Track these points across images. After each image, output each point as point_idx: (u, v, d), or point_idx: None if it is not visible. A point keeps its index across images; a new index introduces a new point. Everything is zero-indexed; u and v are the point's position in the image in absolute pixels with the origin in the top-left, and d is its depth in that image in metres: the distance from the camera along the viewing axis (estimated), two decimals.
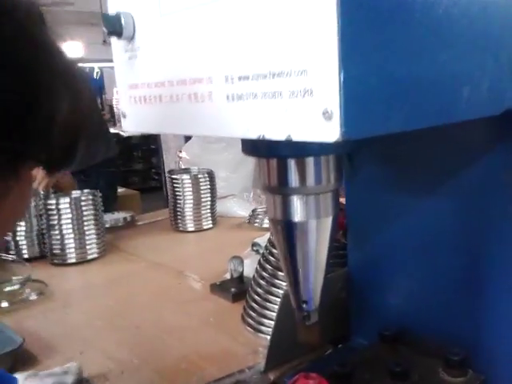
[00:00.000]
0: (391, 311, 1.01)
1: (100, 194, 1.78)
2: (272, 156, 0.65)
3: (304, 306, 0.73)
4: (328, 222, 0.68)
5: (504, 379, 0.85)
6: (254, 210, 2.10)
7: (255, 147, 0.67)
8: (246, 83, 0.55)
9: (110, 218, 2.12)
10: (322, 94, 0.48)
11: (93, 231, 1.74)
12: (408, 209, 0.95)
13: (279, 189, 0.66)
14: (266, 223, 1.99)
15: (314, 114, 0.48)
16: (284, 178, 0.65)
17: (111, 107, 8.65)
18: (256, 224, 2.02)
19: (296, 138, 0.51)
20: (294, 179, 0.64)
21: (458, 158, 0.87)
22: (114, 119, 8.24)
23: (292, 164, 0.63)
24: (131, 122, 0.75)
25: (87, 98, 0.56)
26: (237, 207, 2.26)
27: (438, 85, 0.57)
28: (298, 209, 0.66)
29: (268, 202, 0.70)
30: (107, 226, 2.06)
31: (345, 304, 1.09)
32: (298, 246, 0.69)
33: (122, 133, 6.54)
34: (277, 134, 0.53)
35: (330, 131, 0.48)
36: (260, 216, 2.06)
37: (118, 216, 2.14)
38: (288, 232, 0.69)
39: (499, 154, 0.81)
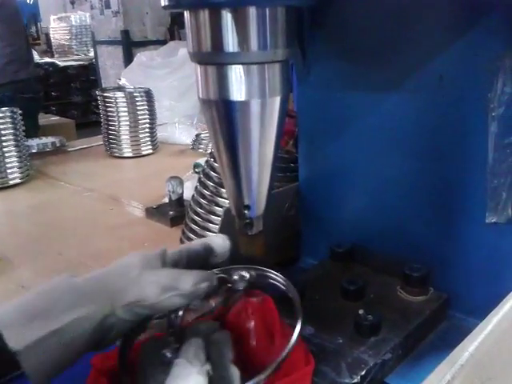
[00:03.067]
0: (345, 227, 0.91)
1: (20, 112, 1.56)
2: (202, 5, 0.49)
3: (246, 212, 0.60)
4: (275, 104, 0.54)
5: (468, 298, 0.77)
6: (198, 135, 1.94)
7: None
8: None
9: (37, 143, 1.90)
10: None
11: (13, 153, 1.54)
12: (366, 111, 0.82)
13: (212, 56, 0.51)
14: (211, 148, 1.84)
15: None
16: (218, 40, 0.50)
17: (47, 36, 8.01)
18: (200, 150, 1.87)
19: None
20: (231, 41, 0.49)
21: (420, 51, 0.74)
22: (50, 49, 7.66)
23: (229, 18, 0.48)
24: None
25: None
26: (180, 133, 2.09)
27: None
28: (238, 84, 0.52)
29: (199, 77, 0.55)
30: (34, 150, 1.85)
31: (294, 223, 0.97)
32: (237, 134, 0.55)
33: (58, 62, 6.09)
34: None
35: None
36: (205, 141, 1.90)
37: (46, 141, 1.93)
38: (225, 116, 0.54)
39: (462, 46, 0.69)
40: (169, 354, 0.51)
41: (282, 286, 0.62)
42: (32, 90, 2.82)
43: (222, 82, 0.52)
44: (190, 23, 0.51)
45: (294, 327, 0.56)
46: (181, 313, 0.58)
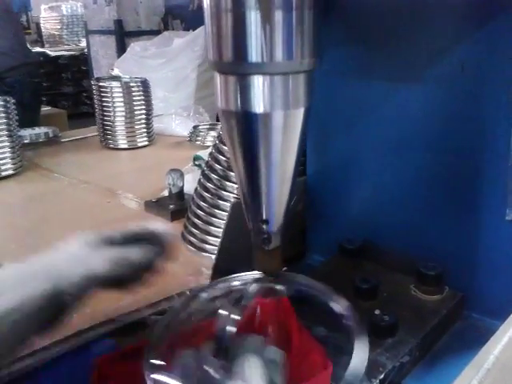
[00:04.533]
0: (354, 223, 0.88)
1: (13, 100, 1.51)
2: (225, 11, 0.45)
3: (264, 226, 0.56)
4: (299, 116, 0.51)
5: (484, 297, 0.75)
6: (195, 127, 1.90)
7: None
8: None
9: (30, 133, 1.85)
10: None
11: (6, 143, 1.48)
12: (381, 101, 0.79)
13: (234, 65, 0.48)
14: (209, 141, 1.80)
15: None
16: (241, 49, 0.46)
17: (38, 25, 7.88)
18: (198, 142, 1.83)
19: None
20: (255, 50, 0.46)
21: (441, 38, 0.71)
22: (41, 39, 7.54)
23: (252, 25, 0.45)
24: None
25: None
26: (176, 125, 2.04)
27: None
28: (260, 95, 0.48)
29: (218, 87, 0.51)
30: (26, 141, 1.80)
31: (301, 218, 0.94)
32: (258, 147, 0.51)
33: (48, 52, 5.98)
34: None
35: None
36: (202, 133, 1.86)
37: (39, 131, 1.87)
38: (246, 128, 0.51)
39: (485, 35, 0.66)
40: (216, 374, 0.48)
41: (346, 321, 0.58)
42: (38, 74, 2.78)
43: (244, 92, 0.49)
44: (211, 28, 0.48)
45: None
46: (229, 329, 0.54)
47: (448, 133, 0.73)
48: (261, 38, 0.46)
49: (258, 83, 0.48)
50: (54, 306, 0.52)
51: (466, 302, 0.76)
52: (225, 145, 0.96)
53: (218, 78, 0.51)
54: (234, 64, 0.48)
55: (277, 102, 0.49)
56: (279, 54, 0.47)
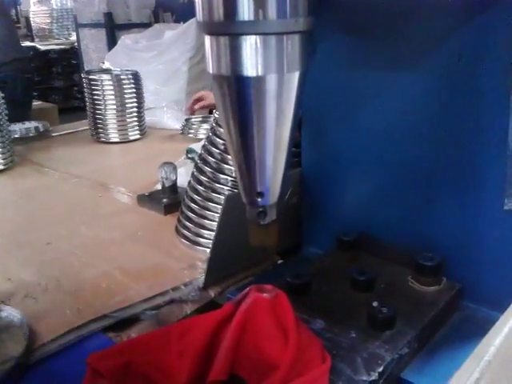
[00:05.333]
0: (350, 216, 0.87)
1: (2, 95, 1.48)
2: None
3: (259, 199, 0.55)
4: (294, 80, 0.50)
5: (482, 287, 0.74)
6: (187, 120, 1.88)
7: None
8: None
9: (20, 128, 1.82)
10: None
11: None
12: (377, 92, 0.78)
13: (225, 25, 0.46)
14: (202, 133, 1.78)
15: None
16: (232, 7, 0.44)
17: (27, 19, 7.79)
18: (190, 135, 1.81)
19: None
20: (246, 8, 0.44)
21: (437, 27, 0.70)
22: (31, 33, 7.45)
23: None
24: None
25: None
26: (168, 118, 2.02)
27: None
28: (253, 57, 0.47)
29: (209, 50, 0.49)
30: (17, 136, 1.77)
31: (296, 210, 0.93)
32: (252, 114, 0.50)
33: (38, 46, 5.92)
34: None
35: None
36: (195, 126, 1.84)
37: (30, 125, 1.84)
38: (238, 93, 0.49)
39: (482, 23, 0.65)
40: None
41: None
42: (30, 70, 2.75)
43: (236, 55, 0.47)
44: None
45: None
46: None
47: (445, 123, 0.72)
48: None
49: (250, 44, 0.46)
50: None
51: (463, 293, 0.75)
52: (218, 137, 0.95)
53: (209, 41, 0.49)
54: (224, 24, 0.46)
55: (270, 65, 0.47)
56: (272, 12, 0.44)
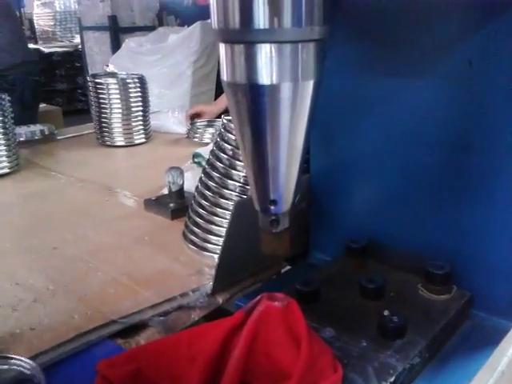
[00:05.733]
0: (358, 222, 0.87)
1: (9, 98, 1.48)
2: None
3: (272, 207, 0.55)
4: (308, 88, 0.49)
5: (492, 296, 0.74)
6: (193, 123, 1.88)
7: None
8: None
9: (25, 131, 1.82)
10: None
11: (2, 141, 1.46)
12: (387, 98, 0.78)
13: (240, 33, 0.46)
14: (207, 137, 1.78)
15: None
16: (247, 14, 0.44)
17: (31, 22, 7.81)
18: (196, 139, 1.81)
19: None
20: (261, 15, 0.44)
21: (447, 33, 0.70)
22: (34, 35, 7.47)
23: None
24: None
25: None
26: (173, 121, 2.02)
27: None
28: (268, 65, 0.46)
29: (223, 58, 0.49)
30: (22, 139, 1.77)
31: (304, 216, 0.93)
32: (266, 121, 0.50)
33: (42, 48, 5.93)
34: None
35: None
36: (200, 130, 1.84)
37: (35, 128, 1.85)
38: (252, 101, 0.49)
39: (493, 29, 0.65)
40: None
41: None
42: (38, 72, 2.76)
43: (251, 63, 0.46)
44: None
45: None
46: None
47: (455, 129, 0.72)
48: (267, 2, 0.43)
49: (266, 52, 0.46)
50: None
51: (473, 302, 0.75)
52: (226, 142, 0.95)
53: (223, 49, 0.49)
54: (240, 31, 0.46)
55: (285, 74, 0.47)
56: (287, 20, 0.44)
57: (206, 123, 1.91)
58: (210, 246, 0.95)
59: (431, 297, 0.74)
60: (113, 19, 4.15)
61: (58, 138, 1.90)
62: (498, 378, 0.50)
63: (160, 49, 2.91)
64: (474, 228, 0.74)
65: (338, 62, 0.80)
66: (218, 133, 1.01)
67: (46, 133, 1.84)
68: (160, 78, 2.70)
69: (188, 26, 3.00)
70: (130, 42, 3.04)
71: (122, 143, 1.77)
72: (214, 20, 0.47)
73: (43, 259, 0.97)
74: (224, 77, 0.50)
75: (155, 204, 1.19)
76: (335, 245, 0.88)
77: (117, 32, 4.18)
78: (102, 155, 1.73)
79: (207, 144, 1.62)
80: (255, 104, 0.49)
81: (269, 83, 0.47)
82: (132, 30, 4.13)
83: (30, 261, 0.97)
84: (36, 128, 1.85)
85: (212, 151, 0.99)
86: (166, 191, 1.22)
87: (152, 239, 1.04)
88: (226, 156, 0.94)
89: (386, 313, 0.66)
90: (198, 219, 0.98)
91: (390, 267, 0.81)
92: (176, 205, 1.16)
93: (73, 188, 1.39)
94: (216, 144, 0.99)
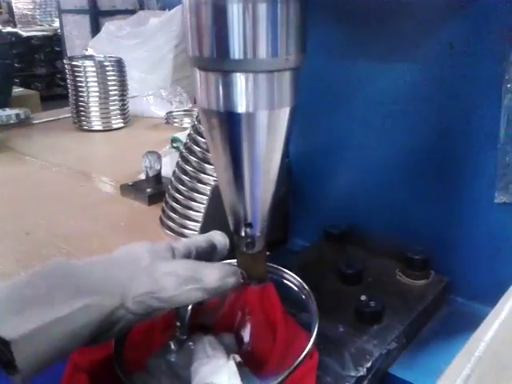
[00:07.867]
0: (338, 207, 0.86)
1: None
2: (205, 3, 0.42)
3: (247, 230, 0.54)
4: (284, 116, 0.48)
5: (470, 281, 0.74)
6: (169, 113, 1.84)
7: None
8: None
9: (1, 115, 1.77)
10: None
11: None
12: (367, 81, 0.76)
13: (216, 62, 0.44)
14: (187, 122, 1.75)
15: None
16: (222, 45, 0.43)
17: (9, 5, 7.62)
18: (175, 124, 1.78)
19: None
20: (236, 46, 0.43)
21: (428, 16, 0.68)
22: (13, 19, 7.30)
23: (234, 19, 0.42)
24: None
25: None
26: (153, 106, 1.98)
27: None
28: (243, 94, 0.45)
29: (198, 85, 0.48)
30: None
31: (283, 202, 0.92)
32: (241, 148, 0.48)
33: (21, 32, 5.79)
34: None
35: None
36: (176, 120, 1.81)
37: (10, 112, 1.80)
38: (228, 129, 0.48)
39: (474, 12, 0.64)
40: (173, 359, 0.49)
41: (302, 295, 0.59)
42: (9, 55, 2.67)
43: (226, 91, 0.46)
44: (189, 21, 0.44)
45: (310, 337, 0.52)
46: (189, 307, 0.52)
47: (435, 114, 0.71)
48: (243, 33, 0.43)
49: (241, 81, 0.45)
50: (113, 321, 0.47)
51: (451, 287, 0.75)
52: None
53: (198, 75, 0.48)
54: (216, 61, 0.45)
55: (261, 102, 0.47)
56: (263, 51, 0.44)
57: (183, 113, 1.88)
58: (187, 231, 0.94)
59: (409, 282, 0.73)
60: (93, 2, 4.06)
61: (34, 122, 1.85)
62: (476, 363, 0.49)
63: (140, 33, 2.86)
64: (452, 214, 0.73)
65: (318, 45, 0.78)
66: (196, 116, 0.98)
67: (22, 117, 1.79)
68: (140, 62, 2.65)
69: (169, 10, 2.95)
70: (109, 26, 2.98)
71: (100, 128, 1.74)
72: (188, 47, 0.46)
73: (15, 244, 0.94)
74: (199, 102, 0.49)
75: (132, 189, 1.16)
76: (315, 231, 0.87)
77: (96, 15, 4.10)
78: (78, 140, 1.69)
79: (187, 129, 1.60)
80: (231, 131, 0.48)
81: (244, 111, 0.46)
82: (112, 13, 4.06)
83: (2, 246, 0.94)
84: (11, 112, 1.80)
85: (189, 135, 0.97)
86: (143, 176, 1.19)
87: (128, 225, 1.02)
88: (203, 139, 0.92)
89: (363, 298, 0.65)
90: (176, 204, 0.96)
91: (369, 252, 0.80)
92: (153, 190, 1.13)
93: (48, 173, 1.35)
94: (193, 128, 0.96)
